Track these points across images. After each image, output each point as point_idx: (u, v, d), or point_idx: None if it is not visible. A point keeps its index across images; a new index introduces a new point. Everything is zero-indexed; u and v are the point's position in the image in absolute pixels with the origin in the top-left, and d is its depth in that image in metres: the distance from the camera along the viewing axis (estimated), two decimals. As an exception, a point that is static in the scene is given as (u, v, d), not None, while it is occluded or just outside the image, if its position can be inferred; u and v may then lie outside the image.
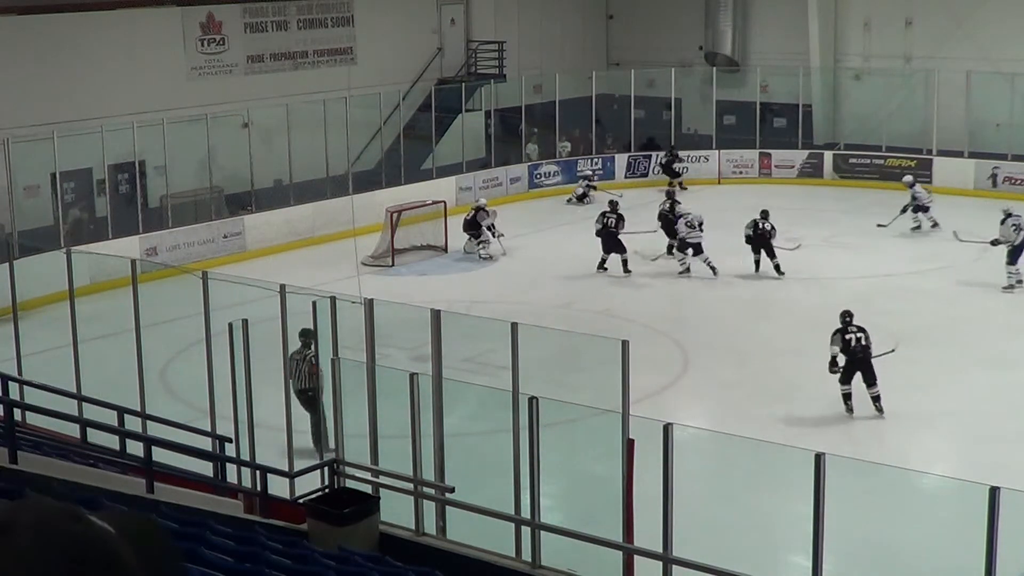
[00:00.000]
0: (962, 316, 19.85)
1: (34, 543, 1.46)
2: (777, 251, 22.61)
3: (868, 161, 30.90)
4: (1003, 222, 21.32)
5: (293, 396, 12.61)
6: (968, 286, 21.62)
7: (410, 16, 31.17)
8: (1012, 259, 20.99)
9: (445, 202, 25.86)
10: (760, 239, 22.74)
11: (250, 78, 27.74)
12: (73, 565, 1.47)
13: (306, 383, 13.99)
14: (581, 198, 29.31)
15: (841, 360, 15.42)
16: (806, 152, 31.66)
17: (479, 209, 24.68)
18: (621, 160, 31.73)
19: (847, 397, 15.48)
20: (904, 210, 25.80)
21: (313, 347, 13.46)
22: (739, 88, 33.15)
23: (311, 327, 12.24)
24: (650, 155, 31.90)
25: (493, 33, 32.45)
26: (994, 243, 21.49)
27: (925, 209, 25.93)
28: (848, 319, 15.73)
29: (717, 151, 31.75)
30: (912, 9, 31.54)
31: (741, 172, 31.61)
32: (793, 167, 31.47)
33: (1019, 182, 28.87)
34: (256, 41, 27.97)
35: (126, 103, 24.36)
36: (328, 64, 29.17)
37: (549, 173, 31.01)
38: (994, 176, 28.98)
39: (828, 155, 31.43)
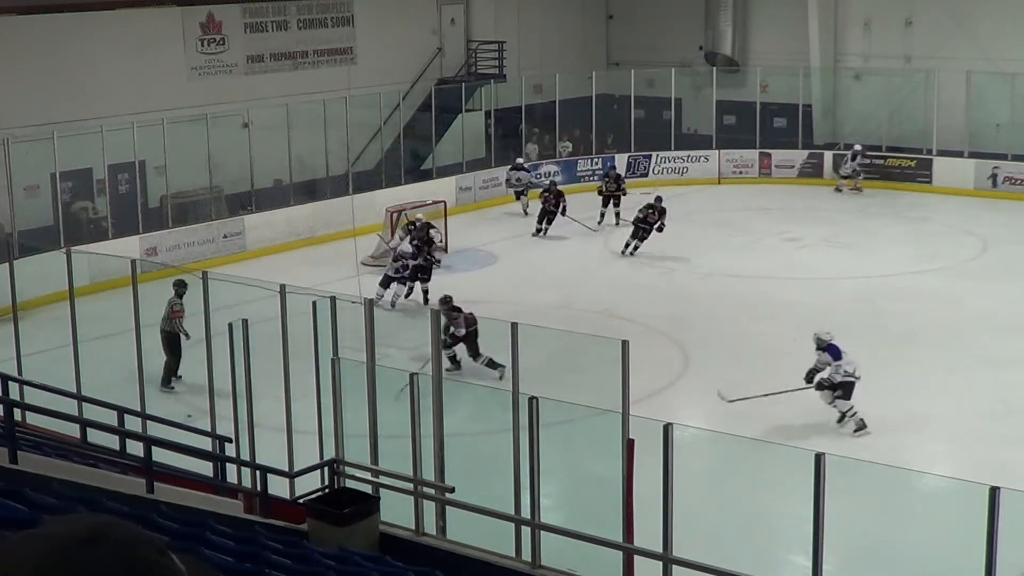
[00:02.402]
0: (962, 316, 19.84)
1: (120, 562, 1.46)
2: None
3: (868, 161, 30.90)
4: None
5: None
6: (968, 286, 21.61)
7: (410, 16, 31.17)
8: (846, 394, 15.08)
9: (445, 202, 25.86)
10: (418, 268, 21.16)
11: (250, 78, 27.73)
12: None
13: (171, 326, 16.67)
14: (519, 195, 28.41)
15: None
16: (806, 152, 31.66)
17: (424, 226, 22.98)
18: (621, 160, 31.72)
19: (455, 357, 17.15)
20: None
21: (183, 296, 16.52)
22: (739, 88, 33.15)
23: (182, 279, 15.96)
24: (650, 155, 31.92)
25: (493, 33, 32.44)
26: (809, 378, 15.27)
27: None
28: (450, 301, 17.29)
29: (717, 151, 31.76)
30: (912, 9, 31.54)
31: (741, 172, 31.62)
32: (793, 167, 31.48)
33: (1019, 182, 28.88)
34: (256, 41, 27.97)
35: (126, 103, 24.35)
36: (328, 64, 29.17)
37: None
38: (994, 176, 28.99)
39: (828, 155, 31.43)
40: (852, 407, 14.87)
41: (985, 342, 18.42)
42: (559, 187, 27.05)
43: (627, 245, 24.28)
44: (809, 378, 15.13)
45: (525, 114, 31.20)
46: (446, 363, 16.26)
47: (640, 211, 24.30)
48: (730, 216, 27.63)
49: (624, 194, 27.04)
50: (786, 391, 15.05)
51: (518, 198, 28.49)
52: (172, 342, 16.78)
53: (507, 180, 28.97)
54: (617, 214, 26.83)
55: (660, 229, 24.01)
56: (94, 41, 24.80)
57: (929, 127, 30.18)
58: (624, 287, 22.20)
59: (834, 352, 14.97)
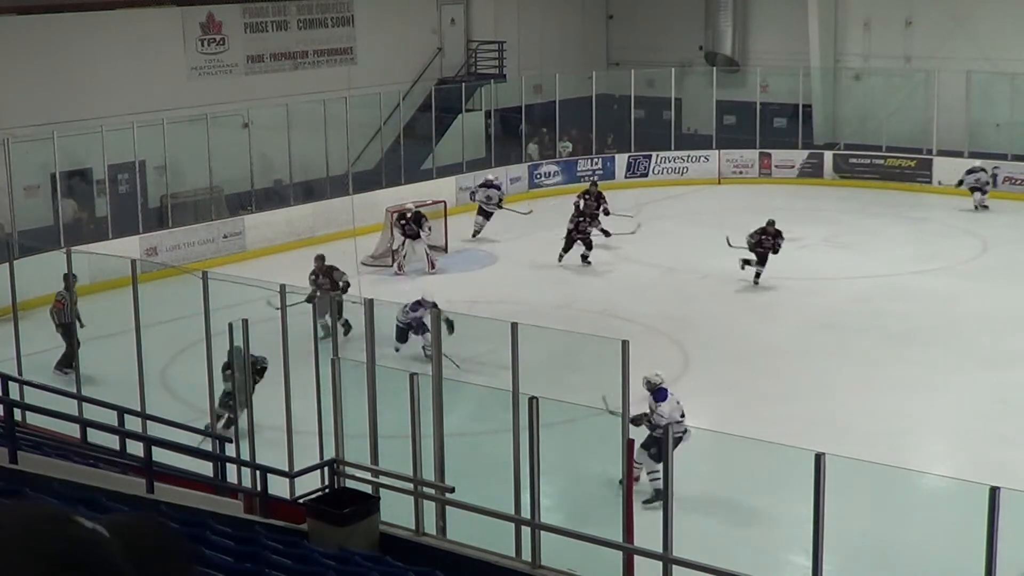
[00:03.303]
0: (962, 316, 19.85)
1: (21, 544, 1.43)
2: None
3: (868, 161, 30.91)
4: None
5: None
6: (968, 286, 21.62)
7: (410, 16, 31.18)
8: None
9: (445, 202, 25.87)
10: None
11: (250, 78, 27.74)
12: (61, 568, 1.43)
13: (62, 317, 17.05)
14: (487, 215, 25.98)
15: None
16: (806, 152, 31.66)
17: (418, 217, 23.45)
18: (621, 160, 31.72)
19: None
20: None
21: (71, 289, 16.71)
22: (739, 88, 33.15)
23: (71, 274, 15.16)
24: (650, 155, 31.91)
25: (493, 33, 32.45)
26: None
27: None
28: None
29: (717, 151, 31.76)
30: (912, 9, 31.55)
31: (741, 172, 31.62)
32: (793, 167, 31.48)
33: (1019, 182, 28.88)
34: (256, 41, 27.97)
35: (126, 103, 24.35)
36: (328, 64, 29.17)
37: (549, 173, 31.03)
38: (994, 176, 28.96)
39: (828, 155, 31.43)
40: (658, 471, 12.01)
41: (985, 342, 18.43)
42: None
43: (757, 275, 21.84)
44: (636, 421, 12.06)
45: (525, 114, 31.20)
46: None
47: (752, 236, 21.87)
48: (729, 216, 27.60)
49: (606, 214, 24.85)
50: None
51: (483, 215, 25.97)
52: (67, 332, 16.78)
53: (472, 195, 27.02)
54: (601, 231, 24.99)
55: (776, 251, 21.77)
56: (94, 41, 24.80)
57: (929, 127, 30.18)
58: (624, 287, 22.20)
59: (660, 396, 13.16)
